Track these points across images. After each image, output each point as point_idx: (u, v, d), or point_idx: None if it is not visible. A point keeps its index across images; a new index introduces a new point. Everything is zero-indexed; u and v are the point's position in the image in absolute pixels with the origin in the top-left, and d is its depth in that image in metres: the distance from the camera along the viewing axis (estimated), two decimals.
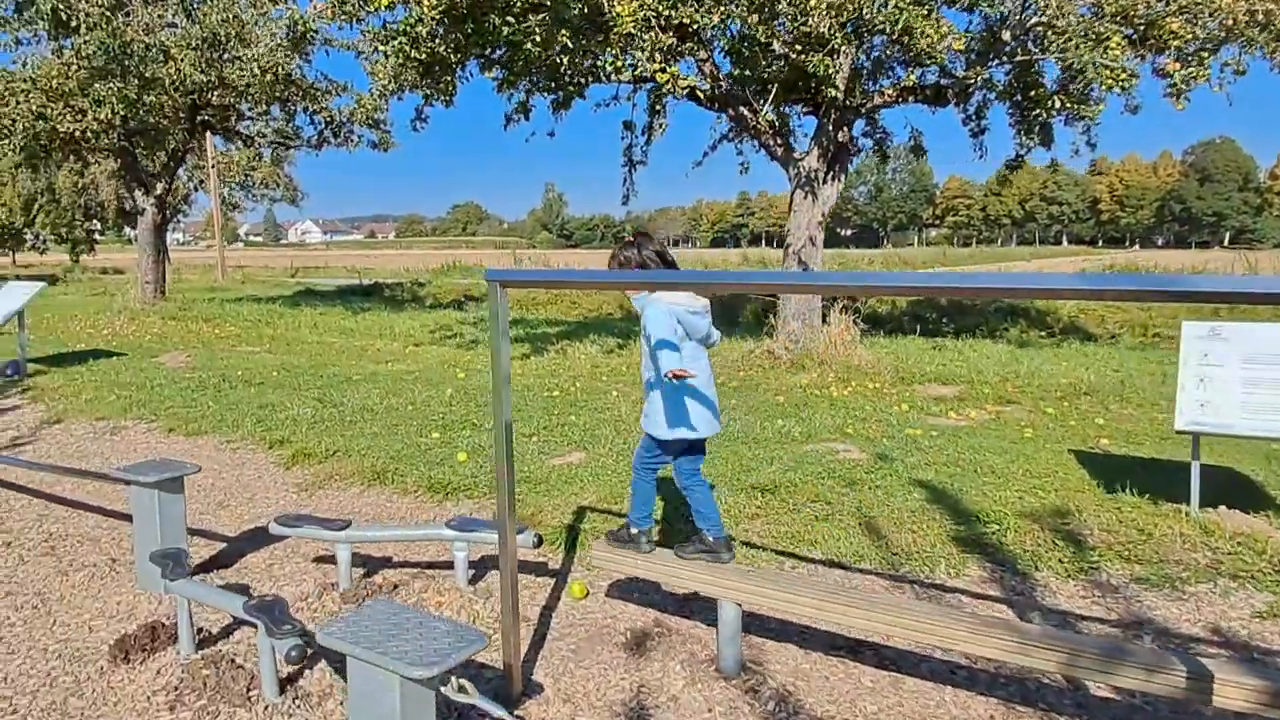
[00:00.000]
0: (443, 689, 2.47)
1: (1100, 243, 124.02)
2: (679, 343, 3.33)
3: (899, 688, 3.21)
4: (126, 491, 4.09)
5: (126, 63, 11.69)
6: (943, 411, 7.53)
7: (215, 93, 13.58)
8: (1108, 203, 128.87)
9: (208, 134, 16.11)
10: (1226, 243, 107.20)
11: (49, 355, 10.81)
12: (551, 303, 20.96)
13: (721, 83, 8.30)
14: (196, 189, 45.84)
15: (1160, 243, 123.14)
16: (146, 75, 12.32)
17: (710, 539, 3.43)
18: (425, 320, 15.39)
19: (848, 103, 9.10)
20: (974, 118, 10.80)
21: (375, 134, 15.64)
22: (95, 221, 44.44)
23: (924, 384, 8.62)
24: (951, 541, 4.51)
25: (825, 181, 9.36)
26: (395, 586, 4.08)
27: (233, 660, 3.35)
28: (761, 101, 9.19)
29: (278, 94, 14.09)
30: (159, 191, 15.78)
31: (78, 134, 13.43)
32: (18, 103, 13.15)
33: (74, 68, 13.24)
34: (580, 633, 3.65)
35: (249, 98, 14.07)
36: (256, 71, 12.62)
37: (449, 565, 4.19)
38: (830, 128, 9.16)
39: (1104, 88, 8.03)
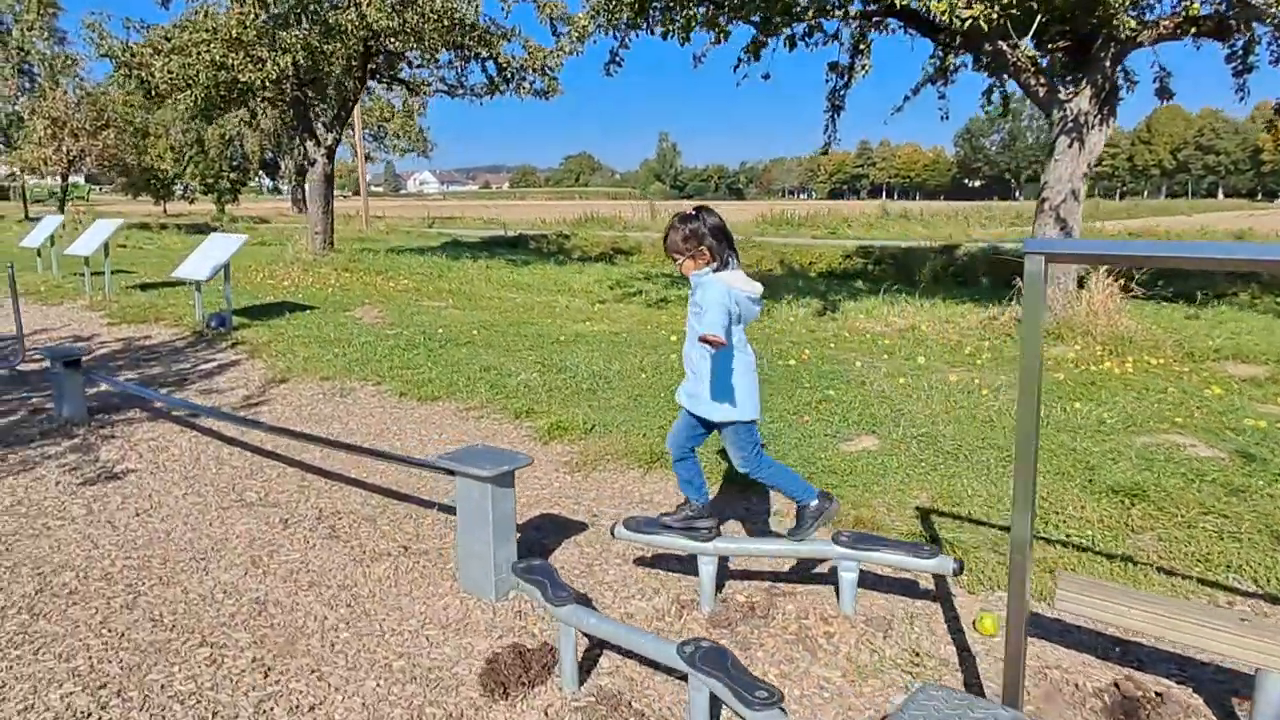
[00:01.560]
0: None
1: (1259, 195, 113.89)
2: (731, 325, 3.22)
3: None
4: (453, 483, 3.57)
5: (314, 7, 11.39)
6: (1269, 396, 6.41)
7: (395, 39, 13.21)
8: (1272, 152, 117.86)
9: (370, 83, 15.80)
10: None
11: (243, 307, 10.75)
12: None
13: (992, 10, 7.21)
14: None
15: None
16: (330, 22, 12.03)
17: (698, 505, 3.44)
18: (596, 274, 14.87)
19: (1125, 35, 7.85)
20: (1241, 54, 9.36)
21: (543, 81, 15.02)
22: (240, 173, 46.05)
23: (1218, 361, 7.46)
24: None
25: (1093, 127, 8.17)
26: (752, 607, 3.45)
27: (631, 705, 2.77)
28: (1021, 35, 8.04)
29: (455, 39, 13.62)
30: (329, 142, 15.68)
31: (256, 84, 13.34)
32: (199, 54, 13.12)
33: (253, 16, 13.10)
34: (1031, 689, 2.92)
35: (426, 43, 13.65)
36: (433, 15, 12.13)
37: (800, 577, 3.54)
38: (1108, 63, 7.94)
39: None
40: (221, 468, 5.42)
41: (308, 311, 10.56)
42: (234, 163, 44.72)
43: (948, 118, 13.24)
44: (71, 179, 38.64)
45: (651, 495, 4.76)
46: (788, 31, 10.23)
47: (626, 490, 4.84)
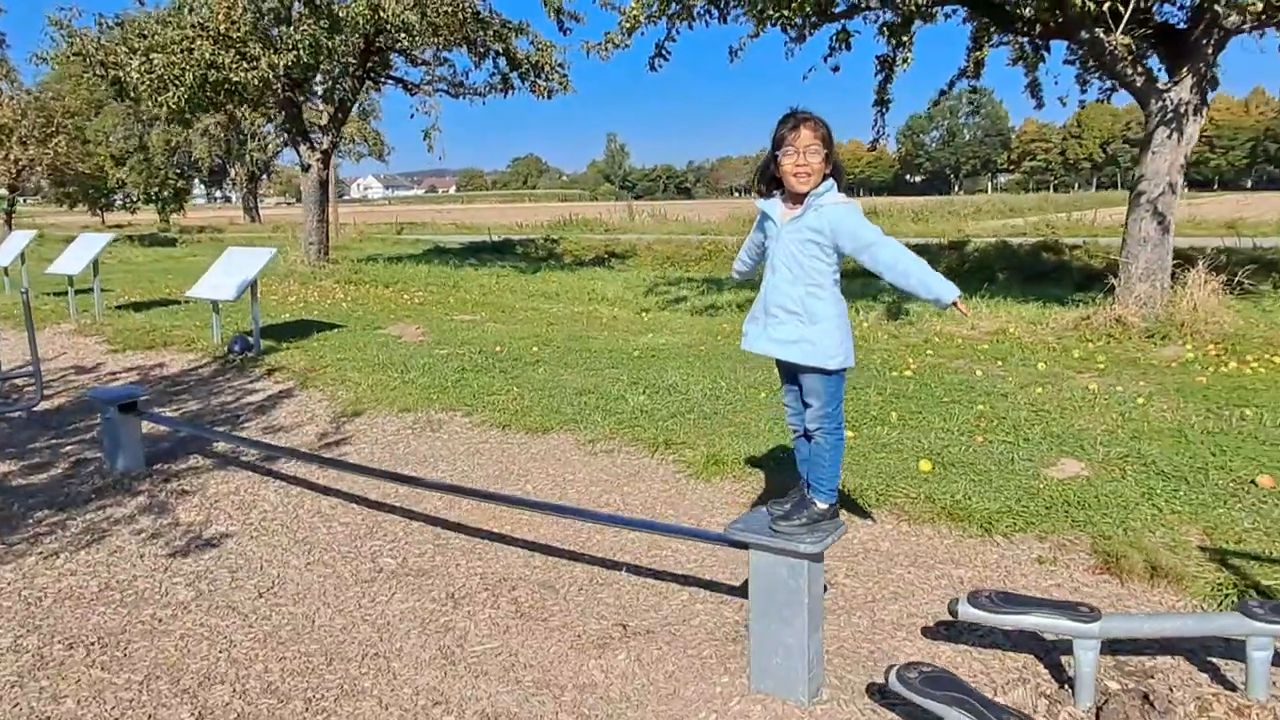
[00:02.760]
0: None
1: (1186, 187, 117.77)
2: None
3: None
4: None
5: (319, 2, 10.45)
6: None
7: (409, 34, 12.25)
8: (1197, 144, 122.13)
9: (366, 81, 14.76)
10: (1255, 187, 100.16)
11: (262, 327, 9.77)
12: (705, 258, 19.53)
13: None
14: (286, 146, 45.35)
15: (1249, 185, 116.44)
16: (339, 15, 11.05)
17: (823, 505, 2.98)
18: (620, 281, 14.11)
19: (1228, 22, 7.45)
20: None
21: (556, 79, 14.18)
22: (187, 180, 43.99)
23: None
24: None
25: (1191, 117, 7.76)
26: (1146, 700, 2.81)
27: None
28: (1115, 22, 7.58)
29: (469, 33, 12.73)
30: (325, 146, 14.63)
31: (250, 84, 12.27)
32: (186, 52, 12.02)
33: (241, 10, 12.07)
34: None
35: (442, 38, 12.71)
36: (447, 7, 11.25)
37: (1132, 645, 2.92)
38: (1210, 51, 7.52)
39: None
40: (331, 526, 4.61)
41: (335, 331, 9.64)
42: (179, 170, 42.63)
43: (978, 111, 12.93)
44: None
45: (887, 545, 4.09)
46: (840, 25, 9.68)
47: (848, 540, 4.17)
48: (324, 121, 14.72)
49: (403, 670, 3.24)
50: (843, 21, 9.79)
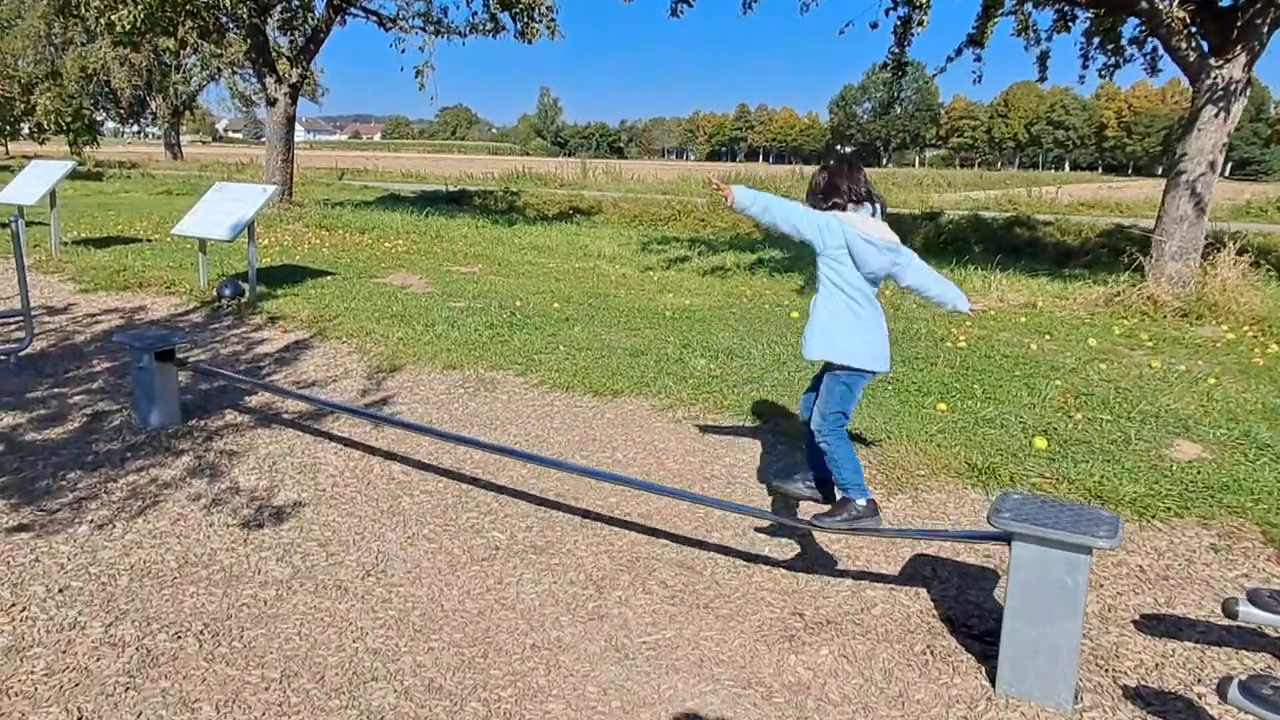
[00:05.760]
0: None
1: (1100, 170, 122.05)
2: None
3: None
4: (1008, 551, 2.57)
5: None
6: None
7: None
8: (1115, 129, 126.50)
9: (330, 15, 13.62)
10: (1228, 173, 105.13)
11: (241, 272, 8.99)
12: (674, 218, 19.11)
13: None
14: (212, 80, 42.49)
15: (1160, 171, 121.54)
16: None
17: (862, 503, 3.22)
18: (604, 237, 13.57)
19: None
20: None
21: (544, 22, 13.36)
22: (104, 112, 41.04)
23: None
24: None
25: (1238, 96, 7.71)
26: None
27: None
28: None
29: None
30: (295, 79, 13.53)
31: (209, 3, 11.15)
32: None
33: None
34: None
35: None
36: None
37: None
38: (1266, 28, 7.46)
39: None
40: (412, 494, 4.15)
41: (329, 278, 8.94)
42: (94, 100, 39.67)
43: (980, 80, 12.85)
44: None
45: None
46: None
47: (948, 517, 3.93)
48: (293, 51, 13.59)
49: (575, 664, 2.87)
50: None
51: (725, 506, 3.84)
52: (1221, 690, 2.16)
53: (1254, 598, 2.55)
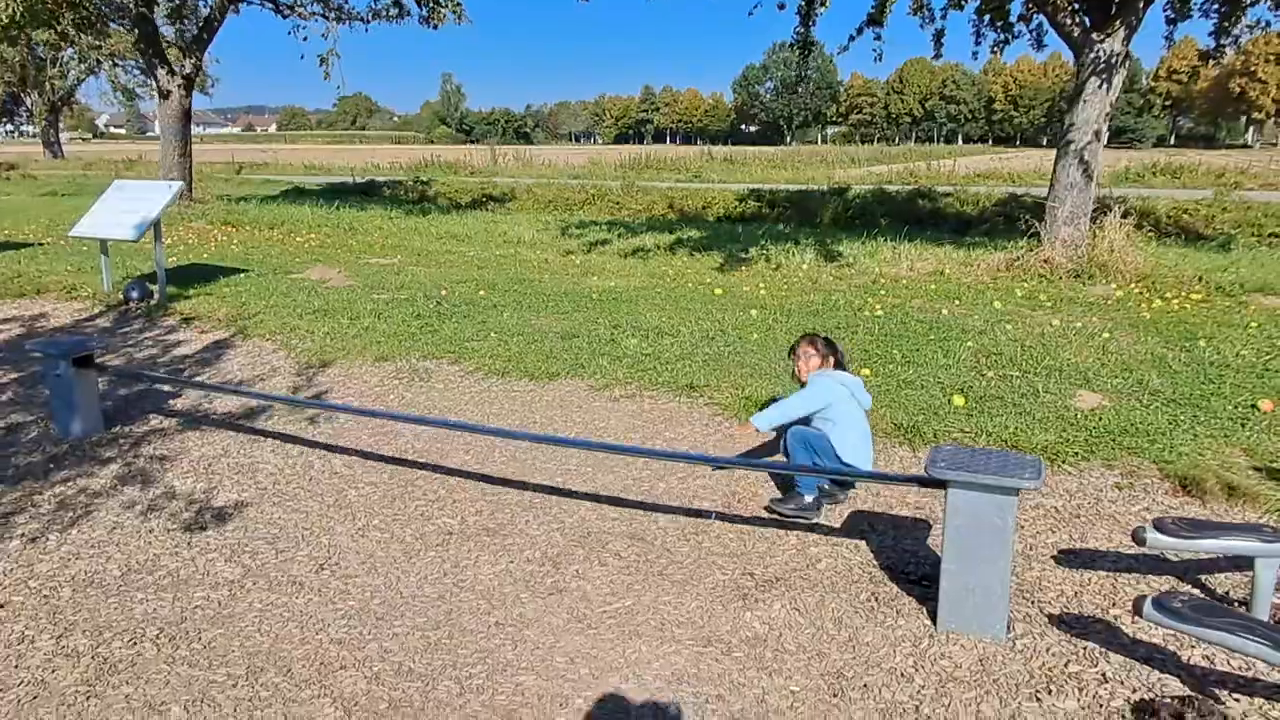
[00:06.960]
0: None
1: (990, 142, 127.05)
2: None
3: None
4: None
5: None
6: None
7: None
8: (1002, 102, 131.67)
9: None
10: (1107, 142, 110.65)
11: (149, 272, 8.67)
12: (589, 202, 19.14)
13: None
14: (90, 74, 40.13)
15: (1045, 142, 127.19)
16: None
17: (809, 499, 3.76)
18: (522, 223, 13.49)
19: None
20: None
21: (450, 6, 13.08)
22: None
23: (1249, 294, 7.77)
24: None
25: (1118, 69, 8.21)
26: None
27: None
28: None
29: None
30: (188, 70, 12.92)
31: None
32: None
33: None
34: None
35: None
36: None
37: None
38: (1141, 3, 7.95)
39: None
40: (357, 487, 4.15)
41: (242, 276, 8.68)
42: None
43: (881, 58, 13.22)
44: None
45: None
46: None
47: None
48: (185, 41, 12.99)
49: (540, 638, 2.95)
50: None
51: (693, 459, 3.97)
52: (1137, 607, 2.39)
53: (1159, 525, 2.81)
